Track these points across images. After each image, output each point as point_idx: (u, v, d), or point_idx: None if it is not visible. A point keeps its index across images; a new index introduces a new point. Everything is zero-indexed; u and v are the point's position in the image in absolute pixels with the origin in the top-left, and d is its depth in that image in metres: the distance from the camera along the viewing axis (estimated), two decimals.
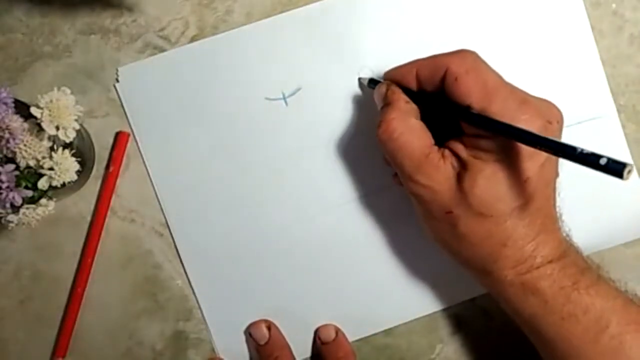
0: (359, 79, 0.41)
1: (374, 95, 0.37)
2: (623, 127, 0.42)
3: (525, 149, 0.32)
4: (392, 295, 0.42)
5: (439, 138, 0.35)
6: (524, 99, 0.33)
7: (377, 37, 0.41)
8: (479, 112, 0.33)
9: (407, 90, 0.36)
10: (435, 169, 0.33)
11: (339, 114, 0.41)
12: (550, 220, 0.34)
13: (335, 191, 0.41)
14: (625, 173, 0.26)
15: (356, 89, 0.41)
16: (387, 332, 0.42)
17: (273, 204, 0.41)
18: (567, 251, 0.34)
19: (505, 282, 0.34)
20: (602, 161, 0.26)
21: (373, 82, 0.39)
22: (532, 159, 0.32)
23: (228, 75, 0.41)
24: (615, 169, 0.26)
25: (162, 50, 0.41)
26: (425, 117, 0.36)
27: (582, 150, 0.27)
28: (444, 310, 0.42)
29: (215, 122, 0.41)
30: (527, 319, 0.34)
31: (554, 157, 0.33)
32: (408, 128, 0.34)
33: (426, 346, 0.42)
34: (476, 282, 0.36)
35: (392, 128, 0.34)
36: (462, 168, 0.33)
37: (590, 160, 0.27)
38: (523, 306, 0.34)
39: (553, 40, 0.41)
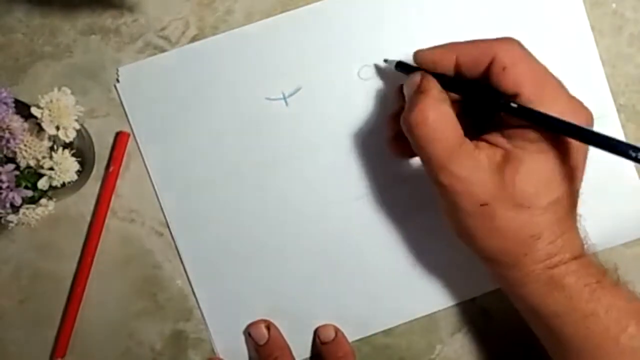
0: (385, 60, 0.40)
1: (405, 82, 0.36)
2: (623, 127, 0.42)
3: (570, 141, 0.32)
4: (392, 295, 0.41)
5: (467, 132, 0.34)
6: (570, 94, 0.33)
7: (377, 37, 0.41)
8: (528, 103, 0.32)
9: (440, 78, 0.35)
10: (470, 159, 0.33)
11: (339, 114, 0.41)
12: (575, 217, 0.34)
13: (334, 191, 0.41)
14: None
15: (356, 89, 0.41)
16: (387, 332, 0.42)
17: (272, 204, 0.41)
18: (587, 249, 0.34)
19: (532, 276, 0.33)
20: None
21: (402, 66, 0.38)
22: (578, 151, 0.32)
23: (228, 75, 0.41)
24: None
25: (163, 50, 0.41)
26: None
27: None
28: (444, 310, 0.42)
29: (216, 122, 0.41)
30: (549, 315, 0.34)
31: (588, 154, 0.33)
32: (442, 115, 0.33)
33: (426, 346, 0.42)
34: (494, 277, 0.36)
35: (426, 113, 0.33)
36: (503, 159, 0.33)
37: None
38: (546, 302, 0.33)
39: (553, 40, 0.41)
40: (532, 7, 0.41)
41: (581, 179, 0.34)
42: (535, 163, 0.32)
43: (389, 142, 0.39)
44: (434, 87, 0.34)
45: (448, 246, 0.41)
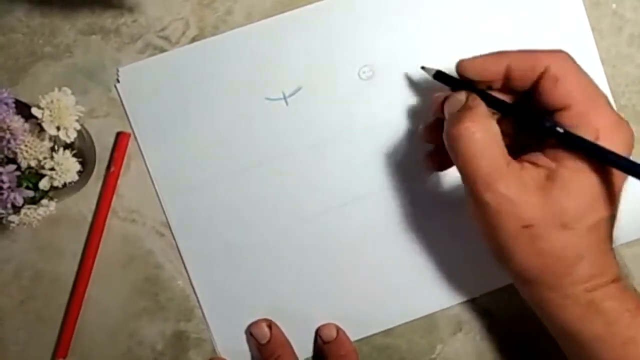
0: (422, 67, 0.39)
1: (448, 100, 0.35)
2: None
3: None
4: (392, 296, 0.42)
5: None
6: (617, 113, 0.33)
7: (377, 37, 0.41)
8: (578, 116, 0.32)
9: (484, 97, 0.34)
10: (517, 179, 0.32)
11: (339, 114, 0.41)
12: (612, 240, 0.33)
13: (335, 191, 0.41)
14: None
15: (356, 89, 0.41)
16: (387, 332, 0.42)
17: (273, 203, 0.41)
18: (623, 273, 0.33)
19: (572, 298, 0.32)
20: None
21: (440, 76, 0.37)
22: (619, 173, 0.31)
23: (228, 75, 0.41)
24: None
25: (163, 50, 0.41)
26: None
27: None
28: (444, 310, 0.42)
29: (216, 122, 0.41)
30: (586, 340, 0.32)
31: None
32: (490, 132, 0.32)
33: (426, 346, 0.42)
34: (530, 300, 0.35)
35: (472, 129, 0.32)
36: (547, 179, 0.32)
37: None
38: (584, 326, 0.32)
39: (553, 40, 0.41)
40: (532, 7, 0.41)
41: (619, 201, 0.33)
42: (580, 183, 0.31)
43: (425, 157, 0.38)
44: (480, 104, 0.33)
45: (448, 246, 0.41)
